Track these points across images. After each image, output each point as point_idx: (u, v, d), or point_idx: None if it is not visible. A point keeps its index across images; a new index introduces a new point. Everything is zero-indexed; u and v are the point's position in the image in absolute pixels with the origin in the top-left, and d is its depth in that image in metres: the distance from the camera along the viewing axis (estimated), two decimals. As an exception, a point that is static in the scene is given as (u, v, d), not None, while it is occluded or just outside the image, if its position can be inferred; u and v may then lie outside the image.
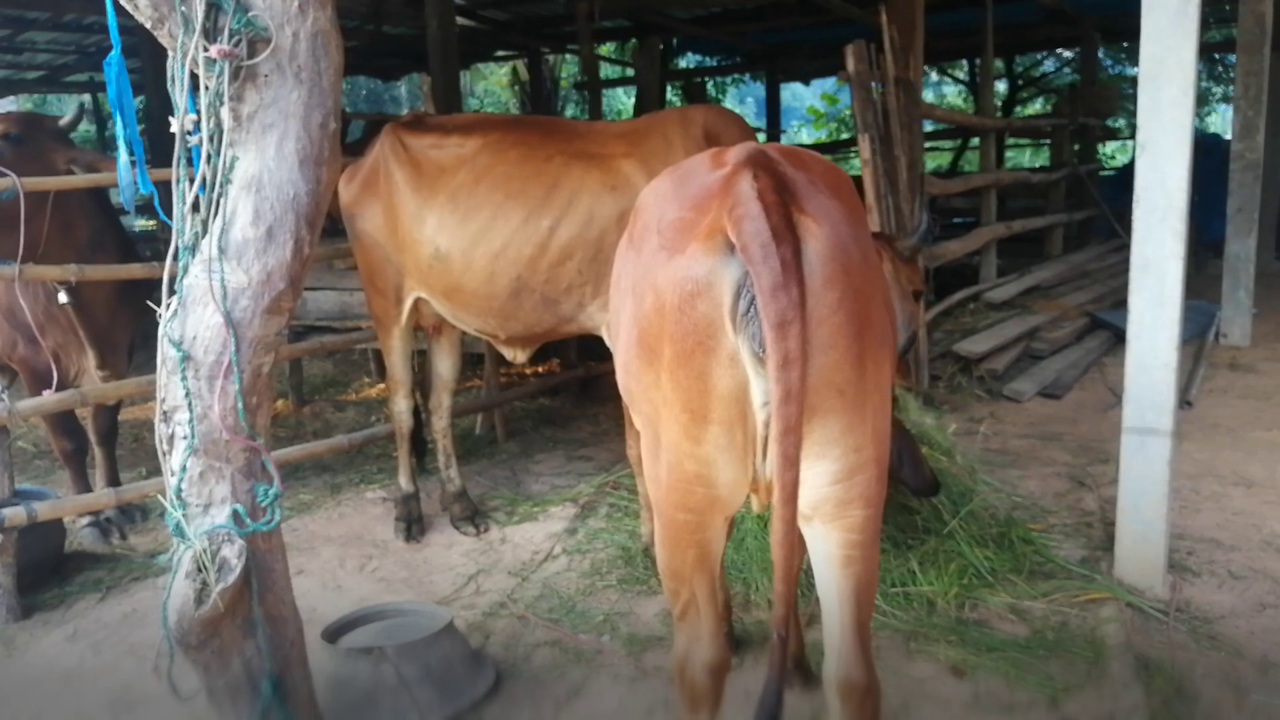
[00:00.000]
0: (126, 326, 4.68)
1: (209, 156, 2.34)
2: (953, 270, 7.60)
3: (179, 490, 2.38)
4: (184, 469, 2.37)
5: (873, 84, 4.96)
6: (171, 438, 2.40)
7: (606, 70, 15.84)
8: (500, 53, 15.73)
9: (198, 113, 2.36)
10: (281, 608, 2.54)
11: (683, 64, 15.87)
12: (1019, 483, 4.67)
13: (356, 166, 4.11)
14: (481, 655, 3.13)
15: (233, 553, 2.34)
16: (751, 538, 3.70)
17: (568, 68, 16.98)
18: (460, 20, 12.89)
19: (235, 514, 2.38)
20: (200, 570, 2.31)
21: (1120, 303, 8.43)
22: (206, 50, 2.29)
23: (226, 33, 2.31)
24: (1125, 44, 15.44)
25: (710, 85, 17.78)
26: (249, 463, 2.44)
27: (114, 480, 4.79)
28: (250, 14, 2.33)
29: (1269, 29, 7.11)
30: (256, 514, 2.43)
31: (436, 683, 2.84)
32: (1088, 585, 3.49)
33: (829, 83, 18.02)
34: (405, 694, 2.79)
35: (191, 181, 2.36)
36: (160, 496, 2.49)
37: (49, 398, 3.93)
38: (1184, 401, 5.91)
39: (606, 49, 15.63)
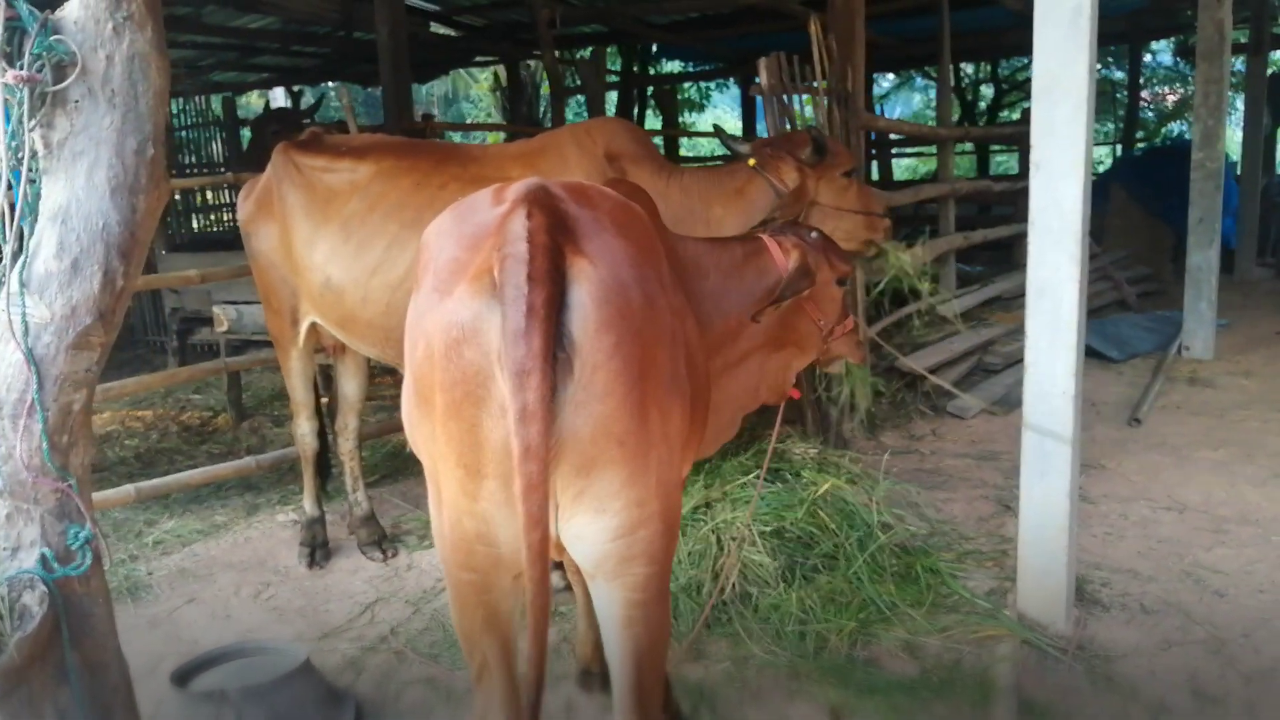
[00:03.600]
0: None
1: (10, 186, 2.24)
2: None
3: (-19, 534, 2.27)
4: (-13, 512, 2.26)
5: (794, 96, 4.84)
6: (-22, 478, 2.29)
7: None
8: (480, 59, 15.65)
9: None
10: (103, 654, 2.43)
11: (665, 69, 15.77)
12: (943, 506, 4.56)
13: (253, 183, 4.01)
14: (344, 695, 3.03)
15: (34, 599, 2.23)
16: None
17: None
18: (439, 27, 12.87)
19: (43, 558, 2.28)
20: (5, 618, 2.21)
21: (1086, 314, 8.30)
22: (3, 75, 2.19)
23: (28, 57, 2.21)
24: (1111, 48, 15.32)
25: (693, 89, 17.69)
26: (61, 504, 2.34)
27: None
28: (54, 37, 2.23)
29: (1229, 36, 6.98)
30: (68, 558, 2.32)
31: (284, 726, 2.73)
32: (987, 620, 3.37)
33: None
34: (246, 740, 2.67)
35: (14, 214, 2.26)
36: (-34, 539, 2.38)
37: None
38: (1133, 419, 5.78)
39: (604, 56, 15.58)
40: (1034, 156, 3.13)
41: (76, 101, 2.29)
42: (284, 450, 4.78)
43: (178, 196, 14.34)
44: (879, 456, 5.10)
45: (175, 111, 16.66)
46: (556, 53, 12.53)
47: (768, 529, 3.56)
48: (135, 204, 2.35)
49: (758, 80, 4.65)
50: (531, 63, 16.33)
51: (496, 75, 16.82)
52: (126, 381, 4.43)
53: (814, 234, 3.03)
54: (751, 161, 3.72)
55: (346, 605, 3.91)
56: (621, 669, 1.88)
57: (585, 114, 20.53)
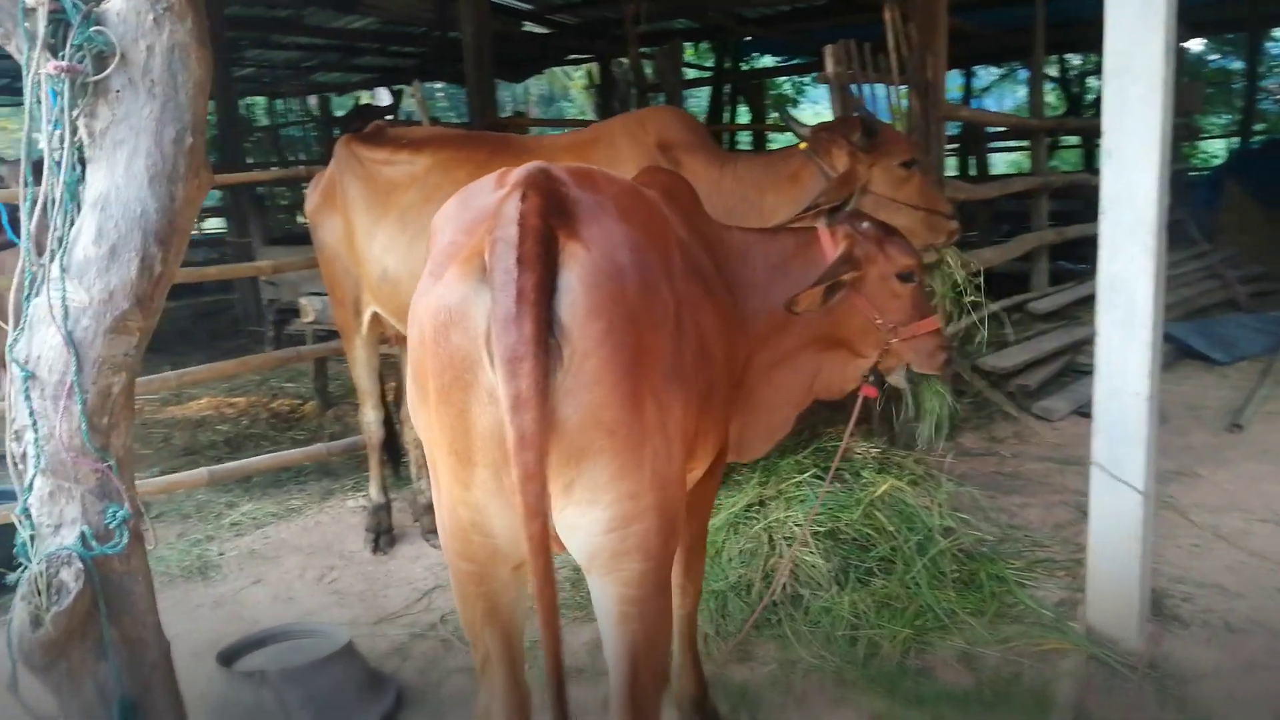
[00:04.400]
0: None
1: (54, 173, 2.31)
2: (997, 279, 7.17)
3: (25, 510, 2.35)
4: (30, 489, 2.34)
5: (865, 85, 4.68)
6: (23, 456, 2.38)
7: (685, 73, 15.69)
8: (574, 56, 15.74)
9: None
10: (142, 630, 2.49)
11: (759, 64, 15.57)
12: (1018, 511, 4.35)
13: (320, 176, 4.08)
14: (386, 680, 3.05)
15: (70, 576, 2.29)
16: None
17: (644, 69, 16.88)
18: (530, 26, 12.99)
19: (83, 536, 2.35)
20: (36, 593, 2.28)
21: (1191, 314, 7.85)
22: (46, 65, 2.25)
23: (69, 48, 2.27)
24: (1229, 35, 14.50)
25: (788, 84, 17.44)
26: (101, 484, 2.40)
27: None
28: (95, 29, 2.28)
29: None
30: (107, 536, 2.38)
31: (320, 709, 2.76)
32: (1051, 633, 3.19)
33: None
34: (283, 721, 2.71)
35: (42, 200, 2.33)
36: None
37: None
38: (1233, 425, 5.43)
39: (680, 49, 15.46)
40: (1105, 143, 2.94)
41: (118, 91, 2.34)
42: (356, 437, 4.86)
43: (276, 190, 14.90)
44: (952, 458, 4.94)
45: (281, 110, 17.32)
46: (648, 50, 12.53)
47: (822, 530, 3.45)
48: (174, 192, 2.39)
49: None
50: (625, 60, 16.39)
51: (590, 73, 16.89)
52: (200, 369, 4.56)
53: (866, 224, 2.89)
54: (803, 146, 3.61)
55: (405, 591, 3.95)
56: (616, 668, 1.82)
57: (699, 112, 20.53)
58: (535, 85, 22.41)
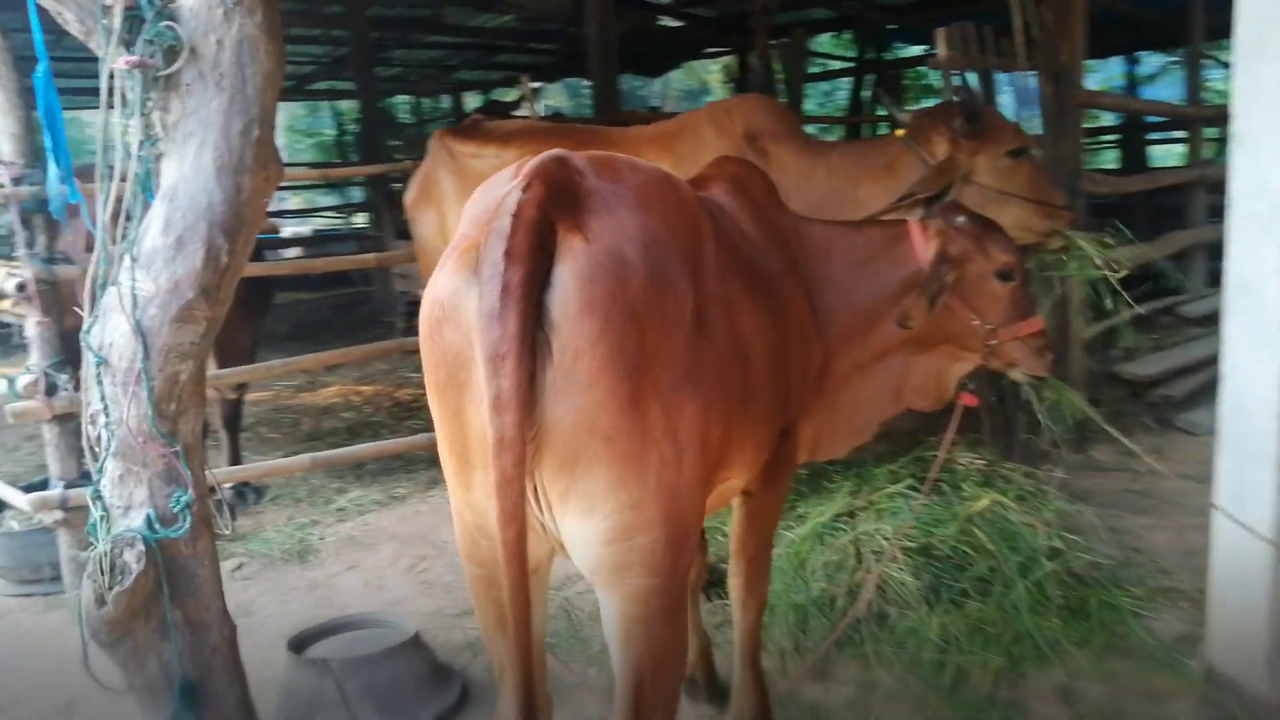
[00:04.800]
0: (249, 332, 4.97)
1: (122, 168, 2.37)
2: (1145, 278, 6.65)
3: (96, 492, 2.43)
4: (102, 471, 2.42)
5: (976, 71, 4.39)
6: (97, 440, 2.46)
7: (820, 65, 15.35)
8: (712, 50, 15.59)
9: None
10: (205, 614, 2.54)
11: (903, 55, 15.03)
12: (1145, 534, 3.99)
13: (418, 171, 4.12)
14: (452, 674, 3.04)
15: (132, 557, 2.36)
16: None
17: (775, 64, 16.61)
18: (666, 20, 12.94)
19: (148, 519, 2.41)
20: (101, 573, 2.35)
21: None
22: (118, 60, 2.32)
23: (140, 43, 2.33)
24: None
25: (938, 75, 16.74)
26: (169, 469, 2.46)
27: (235, 461, 5.14)
28: (165, 24, 2.33)
29: None
30: (170, 520, 2.44)
31: (379, 700, 2.77)
32: (1163, 670, 2.90)
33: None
34: (343, 709, 2.73)
35: (125, 195, 2.40)
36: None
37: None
38: None
39: (823, 42, 15.14)
40: (1234, 127, 2.63)
41: (188, 85, 2.38)
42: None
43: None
44: (1079, 473, 4.61)
45: (426, 109, 17.85)
46: (787, 41, 12.24)
47: (914, 545, 3.24)
48: (240, 184, 2.42)
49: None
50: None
51: (728, 66, 16.70)
52: (304, 358, 4.70)
53: (961, 218, 2.68)
54: (900, 133, 3.39)
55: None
56: (620, 689, 1.72)
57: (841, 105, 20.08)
58: (677, 80, 22.37)
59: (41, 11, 2.43)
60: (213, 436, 5.29)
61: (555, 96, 23.07)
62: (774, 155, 3.36)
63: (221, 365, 4.67)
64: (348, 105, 16.57)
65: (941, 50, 3.98)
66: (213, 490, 4.40)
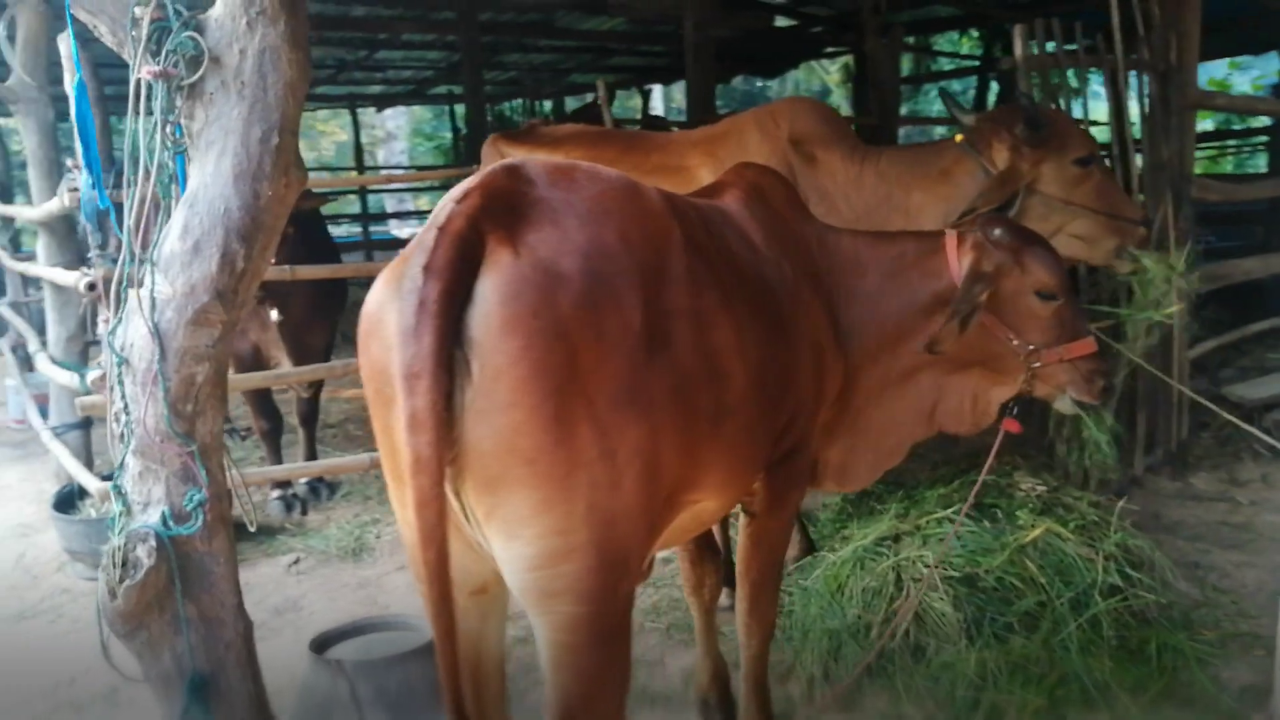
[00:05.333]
0: (323, 332, 5.10)
1: (147, 173, 2.45)
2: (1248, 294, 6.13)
3: (118, 487, 2.52)
4: (123, 468, 2.51)
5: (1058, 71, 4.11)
6: (120, 436, 2.55)
7: (943, 64, 14.86)
8: (832, 49, 15.29)
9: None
10: (219, 610, 2.60)
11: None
12: (1233, 571, 3.68)
13: (474, 176, 4.14)
14: (470, 684, 3.02)
15: (144, 552, 2.43)
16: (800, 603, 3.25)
17: (904, 62, 16.19)
18: (783, 20, 12.75)
19: (163, 516, 2.48)
20: (114, 566, 2.43)
21: None
22: (141, 70, 2.39)
23: (164, 54, 2.40)
24: None
25: (1070, 73, 15.97)
26: (186, 467, 2.53)
27: (311, 457, 5.30)
28: (187, 34, 2.40)
29: None
30: (183, 518, 2.51)
31: (392, 704, 2.78)
32: (1222, 724, 2.65)
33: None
34: (354, 711, 2.75)
35: (146, 200, 2.48)
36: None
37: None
38: None
39: (949, 41, 14.68)
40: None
41: (211, 94, 2.44)
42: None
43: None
44: (1173, 502, 4.31)
45: (543, 113, 18.08)
46: (910, 39, 11.83)
47: (957, 574, 3.06)
48: (259, 190, 2.46)
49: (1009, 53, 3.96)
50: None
51: (847, 66, 16.36)
52: (334, 365, 4.77)
53: (999, 230, 2.52)
54: (959, 138, 3.20)
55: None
56: (547, 716, 1.66)
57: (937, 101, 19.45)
58: (800, 81, 22.06)
59: (77, 23, 2.53)
60: (292, 432, 5.47)
61: (677, 98, 23.14)
62: (821, 160, 3.23)
63: (296, 364, 4.80)
64: (463, 109, 16.99)
65: (1018, 49, 3.74)
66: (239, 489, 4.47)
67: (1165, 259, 3.39)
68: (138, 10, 2.43)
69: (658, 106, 17.79)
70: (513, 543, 1.57)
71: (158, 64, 2.39)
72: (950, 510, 3.27)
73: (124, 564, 2.43)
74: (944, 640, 2.98)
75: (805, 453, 2.42)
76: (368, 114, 20.34)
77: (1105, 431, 3.24)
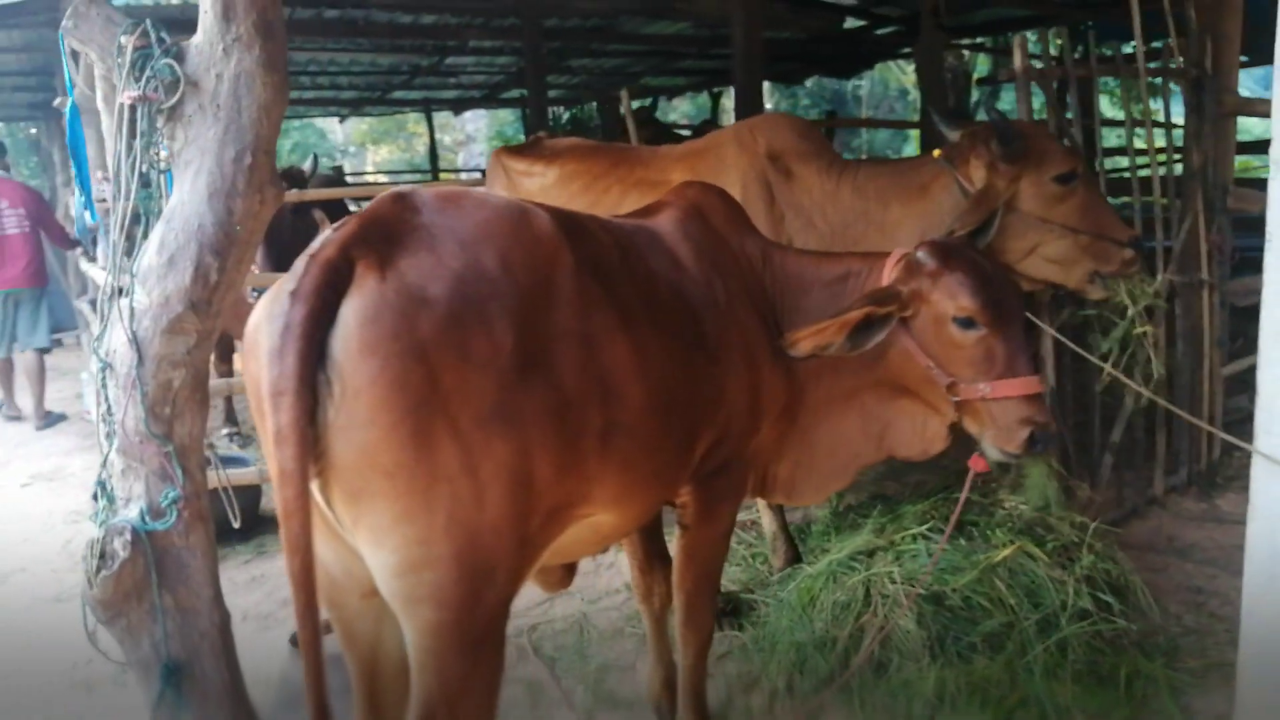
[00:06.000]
0: None
1: (128, 192, 2.62)
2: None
3: (102, 483, 2.70)
4: (106, 465, 2.69)
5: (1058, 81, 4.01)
6: (107, 436, 2.73)
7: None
8: (906, 50, 15.06)
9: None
10: (196, 601, 2.76)
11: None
12: (1236, 599, 3.53)
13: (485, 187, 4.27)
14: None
15: (120, 545, 2.60)
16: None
17: (983, 63, 15.87)
18: (854, 21, 12.62)
19: (141, 511, 2.66)
20: (92, 557, 2.61)
21: None
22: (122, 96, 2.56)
23: (144, 80, 2.57)
24: None
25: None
26: (164, 466, 2.70)
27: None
28: (164, 61, 2.56)
29: None
30: (159, 514, 2.67)
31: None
32: (1179, 755, 2.60)
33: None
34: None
35: (127, 215, 2.66)
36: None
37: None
38: None
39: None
40: (1275, 152, 2.31)
41: (189, 116, 2.60)
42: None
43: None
44: (1193, 524, 4.20)
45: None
46: (983, 41, 11.56)
47: (923, 592, 3.05)
48: (231, 207, 2.61)
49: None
50: (965, 53, 15.39)
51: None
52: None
53: (923, 252, 2.45)
54: (937, 153, 3.16)
55: (540, 590, 4.03)
56: (410, 716, 1.74)
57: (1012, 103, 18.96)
58: (880, 82, 21.76)
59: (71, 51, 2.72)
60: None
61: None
62: (797, 174, 3.24)
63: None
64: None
65: (1017, 59, 3.65)
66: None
67: (1140, 287, 3.29)
68: (123, 39, 2.62)
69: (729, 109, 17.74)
70: (378, 551, 1.66)
71: (138, 89, 2.57)
72: (925, 527, 3.26)
73: (102, 555, 2.61)
74: (907, 657, 2.98)
75: (739, 468, 2.45)
76: (447, 117, 20.87)
77: (1045, 478, 3.16)
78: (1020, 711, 2.81)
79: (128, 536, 2.61)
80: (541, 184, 3.70)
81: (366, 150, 27.13)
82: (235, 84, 2.60)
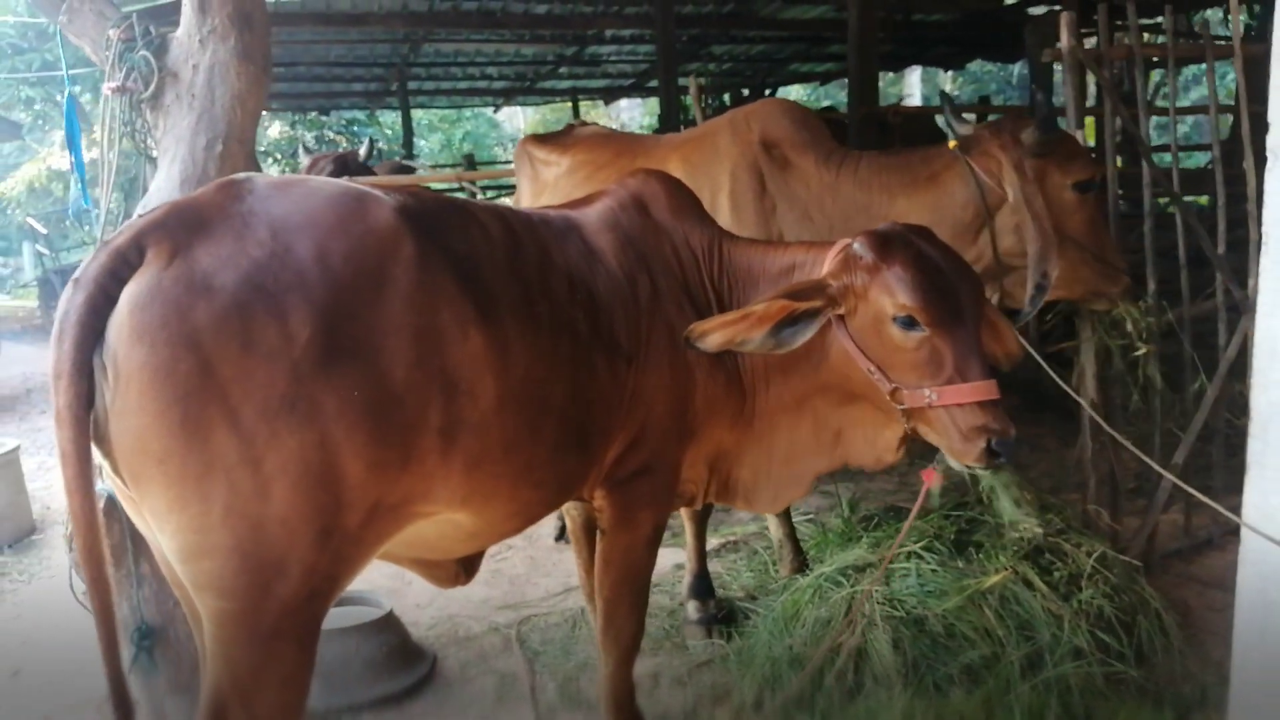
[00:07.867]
0: None
1: (110, 180, 2.76)
2: None
3: (87, 454, 2.87)
4: (91, 437, 2.86)
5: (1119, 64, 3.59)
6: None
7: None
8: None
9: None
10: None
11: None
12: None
13: (521, 178, 4.27)
14: (414, 660, 3.17)
15: (94, 514, 2.76)
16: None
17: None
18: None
19: (119, 482, 2.81)
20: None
21: None
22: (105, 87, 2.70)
23: (124, 71, 2.70)
24: None
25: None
26: (142, 440, 2.84)
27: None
28: (141, 53, 2.68)
29: None
30: (136, 485, 2.81)
31: (323, 676, 2.97)
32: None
33: None
34: (290, 677, 2.97)
35: (110, 201, 2.81)
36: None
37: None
38: None
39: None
40: (1272, 141, 2.01)
41: (168, 106, 2.72)
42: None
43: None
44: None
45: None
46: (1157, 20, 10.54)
47: (904, 614, 2.84)
48: (202, 193, 2.73)
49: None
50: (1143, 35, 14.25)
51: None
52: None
53: (859, 243, 2.23)
54: (953, 143, 2.91)
55: (554, 583, 4.03)
56: (200, 703, 1.73)
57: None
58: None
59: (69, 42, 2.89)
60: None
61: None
62: (793, 164, 3.06)
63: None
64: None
65: (1065, 38, 3.26)
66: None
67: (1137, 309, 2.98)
68: (111, 32, 2.76)
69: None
70: (161, 535, 1.69)
71: (119, 80, 2.70)
72: (920, 544, 3.03)
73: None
74: (880, 682, 2.79)
75: (660, 472, 2.34)
76: (609, 106, 21.09)
77: (1008, 491, 2.86)
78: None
79: (103, 504, 2.76)
80: (556, 173, 3.67)
81: (535, 140, 27.82)
82: (210, 74, 2.70)
